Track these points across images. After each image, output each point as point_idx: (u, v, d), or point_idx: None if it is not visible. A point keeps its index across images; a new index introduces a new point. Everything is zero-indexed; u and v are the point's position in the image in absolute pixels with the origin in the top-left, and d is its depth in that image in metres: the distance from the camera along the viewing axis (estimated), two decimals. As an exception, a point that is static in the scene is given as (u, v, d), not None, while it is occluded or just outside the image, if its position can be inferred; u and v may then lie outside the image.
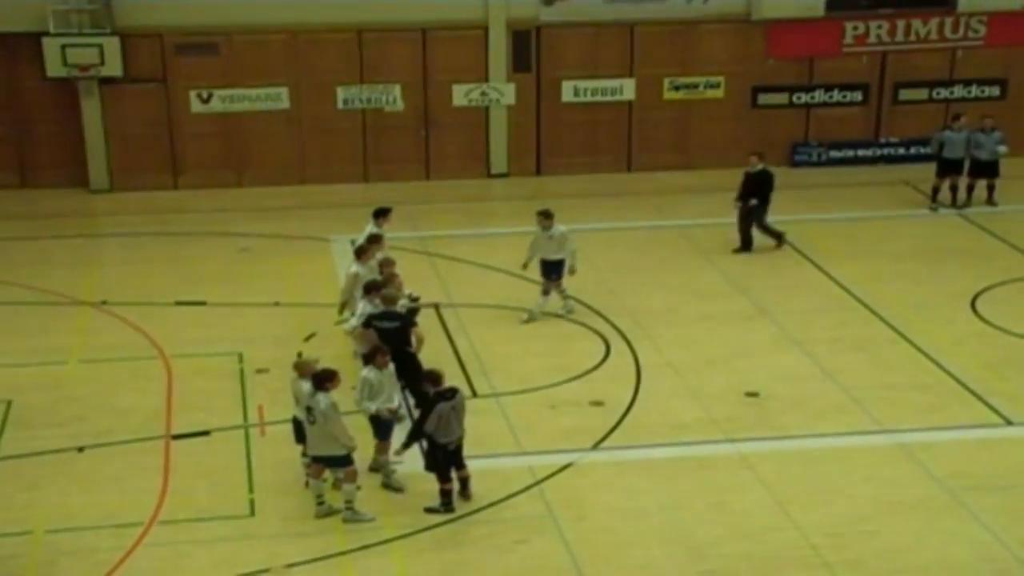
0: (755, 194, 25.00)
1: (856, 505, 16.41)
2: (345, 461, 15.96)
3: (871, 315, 22.42)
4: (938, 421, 18.71)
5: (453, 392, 16.27)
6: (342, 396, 16.17)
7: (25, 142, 29.36)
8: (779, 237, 25.47)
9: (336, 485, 16.28)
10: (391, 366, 16.76)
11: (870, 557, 15.30)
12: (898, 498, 16.58)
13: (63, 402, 19.24)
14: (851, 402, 19.21)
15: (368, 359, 16.62)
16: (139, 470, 17.28)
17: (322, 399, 15.68)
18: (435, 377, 16.30)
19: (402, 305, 18.91)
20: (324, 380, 15.80)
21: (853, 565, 15.15)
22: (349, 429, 16.00)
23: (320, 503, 16.14)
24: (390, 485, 16.77)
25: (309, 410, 15.77)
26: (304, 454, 16.51)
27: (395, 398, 16.90)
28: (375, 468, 16.92)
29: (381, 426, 16.70)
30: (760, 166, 25.00)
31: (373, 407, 16.40)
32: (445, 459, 16.13)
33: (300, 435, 16.35)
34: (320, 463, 16.05)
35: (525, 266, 22.23)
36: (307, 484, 16.49)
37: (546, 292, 22.09)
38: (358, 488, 16.14)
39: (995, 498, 16.58)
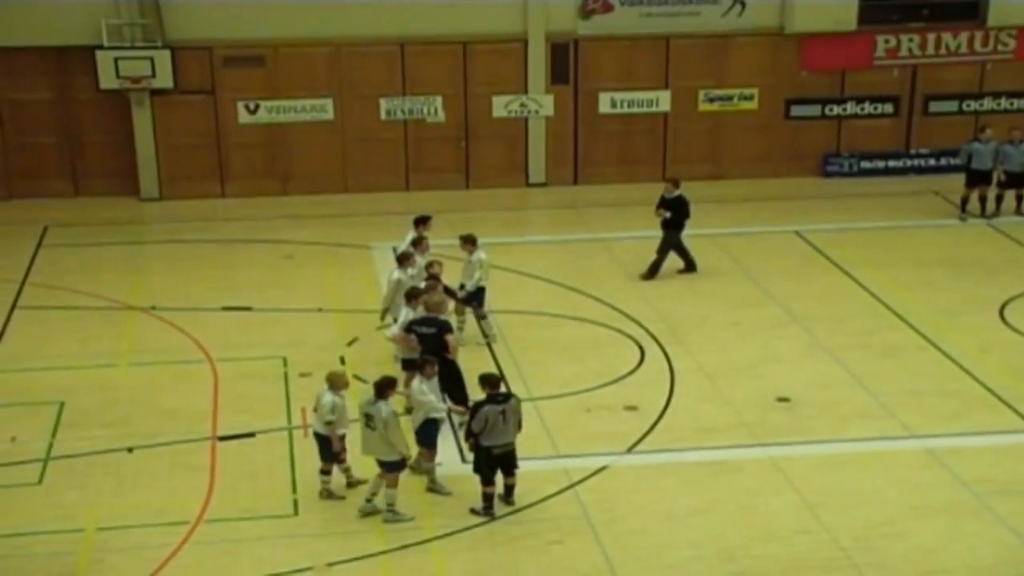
0: (673, 216, 24.37)
1: (883, 509, 16.52)
2: (396, 467, 16.21)
3: (900, 322, 22.57)
4: (965, 426, 18.81)
5: (505, 397, 16.35)
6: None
7: (78, 152, 29.80)
8: (689, 262, 24.84)
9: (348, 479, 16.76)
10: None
11: (897, 560, 15.40)
12: (925, 502, 16.69)
13: (113, 404, 19.46)
14: (879, 407, 19.35)
15: (417, 368, 16.77)
16: (186, 470, 17.47)
17: (383, 407, 15.95)
18: (491, 380, 16.40)
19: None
20: (385, 388, 16.08)
21: (880, 568, 15.25)
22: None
23: (368, 500, 16.37)
24: (435, 489, 16.95)
25: (368, 417, 16.01)
26: (323, 471, 16.74)
27: (441, 405, 17.13)
28: (416, 470, 17.08)
29: (427, 432, 16.89)
30: (676, 192, 24.38)
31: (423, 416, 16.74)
32: (488, 462, 16.23)
33: (324, 450, 16.66)
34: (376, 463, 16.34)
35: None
36: (321, 494, 16.73)
37: (482, 317, 21.79)
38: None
39: (1021, 502, 16.69)
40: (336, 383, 16.58)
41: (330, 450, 16.64)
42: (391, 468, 16.19)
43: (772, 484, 17.20)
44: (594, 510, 16.53)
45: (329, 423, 16.45)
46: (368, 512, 16.37)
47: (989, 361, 20.98)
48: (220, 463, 17.69)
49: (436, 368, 16.91)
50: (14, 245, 26.63)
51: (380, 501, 16.36)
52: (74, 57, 28.86)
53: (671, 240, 24.53)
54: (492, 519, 16.33)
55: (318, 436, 16.72)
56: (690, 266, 24.83)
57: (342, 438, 16.58)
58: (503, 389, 16.68)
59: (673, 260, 24.71)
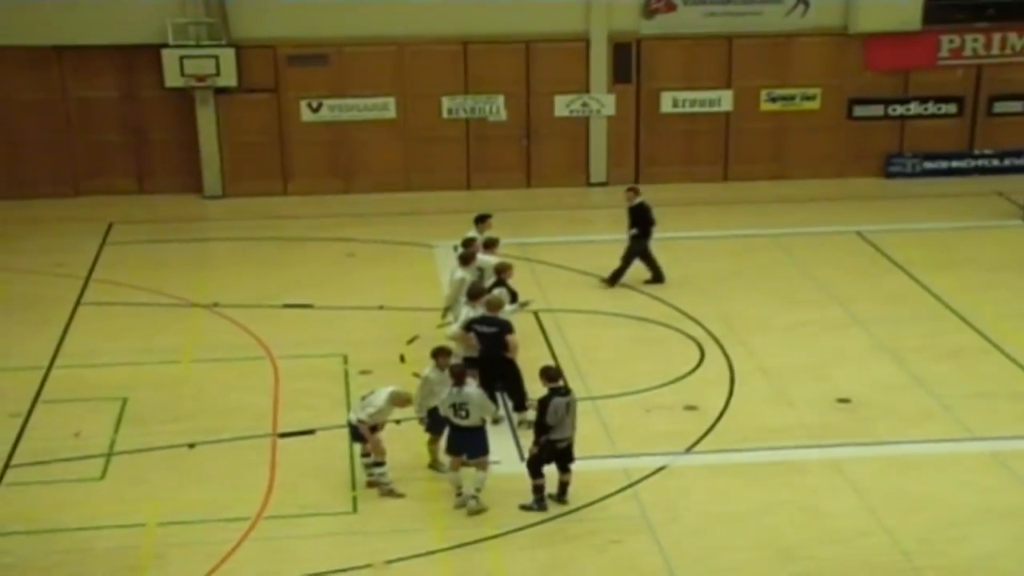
0: (636, 225, 24.06)
1: (947, 512, 16.38)
2: (485, 449, 16.47)
3: (963, 324, 22.41)
4: (1030, 430, 18.64)
5: (568, 390, 16.47)
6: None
7: (143, 150, 30.11)
8: (656, 272, 24.34)
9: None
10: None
11: (960, 564, 15.25)
12: (989, 505, 16.53)
13: (175, 400, 19.59)
14: (942, 410, 19.21)
15: (455, 375, 16.59)
16: (247, 466, 17.56)
17: (473, 391, 16.28)
18: (552, 373, 16.49)
19: (509, 310, 19.17)
20: (463, 374, 16.41)
21: (943, 571, 15.12)
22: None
23: (459, 494, 16.52)
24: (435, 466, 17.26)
25: (458, 406, 16.21)
26: (365, 454, 16.87)
27: (494, 407, 17.24)
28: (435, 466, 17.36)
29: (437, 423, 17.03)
30: (637, 200, 24.08)
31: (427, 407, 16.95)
32: (550, 456, 16.29)
33: (357, 435, 16.85)
34: (460, 455, 16.51)
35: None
36: (380, 491, 16.79)
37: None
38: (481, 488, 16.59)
39: (1087, 507, 16.51)
40: (397, 400, 16.72)
41: (361, 438, 16.81)
42: (482, 453, 16.44)
43: (833, 486, 17.10)
44: (653, 510, 16.49)
45: (362, 420, 16.61)
46: (462, 504, 16.51)
47: (1054, 364, 20.80)
48: (280, 460, 17.78)
49: (477, 379, 16.87)
50: (79, 242, 26.93)
51: (468, 487, 16.54)
52: (140, 56, 29.15)
53: (636, 249, 24.12)
54: (546, 514, 16.33)
55: (352, 425, 16.87)
56: (657, 277, 24.30)
57: (373, 429, 16.64)
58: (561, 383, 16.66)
59: (640, 270, 24.31)
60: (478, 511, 16.41)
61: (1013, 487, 17.07)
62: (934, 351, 21.33)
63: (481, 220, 22.02)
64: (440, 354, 17.13)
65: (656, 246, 24.34)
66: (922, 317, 22.88)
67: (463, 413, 16.31)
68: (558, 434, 16.22)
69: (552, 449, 16.30)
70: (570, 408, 16.32)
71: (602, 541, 15.85)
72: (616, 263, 24.05)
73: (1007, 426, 18.78)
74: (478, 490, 16.45)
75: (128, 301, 23.61)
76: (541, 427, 16.27)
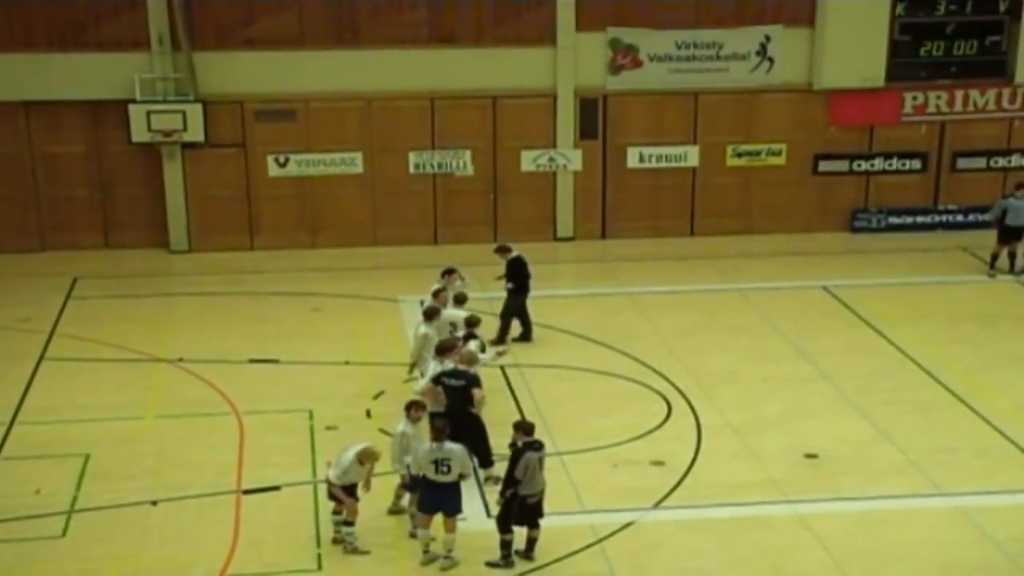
0: (512, 280, 23.96)
1: (915, 568, 16.40)
2: (459, 507, 16.46)
3: (929, 378, 22.49)
4: (997, 485, 18.67)
5: (541, 445, 16.47)
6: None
7: (109, 204, 30.00)
8: (527, 330, 24.18)
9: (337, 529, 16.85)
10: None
11: (927, 620, 15.30)
12: (956, 561, 16.55)
13: (139, 456, 19.45)
14: (909, 465, 19.24)
15: (436, 430, 16.55)
16: (211, 523, 17.44)
17: (454, 446, 16.26)
18: (528, 427, 16.49)
19: (486, 358, 19.51)
20: (443, 430, 16.38)
21: (910, 627, 15.17)
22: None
23: (427, 551, 16.47)
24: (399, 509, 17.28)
25: (439, 463, 16.18)
26: (336, 511, 16.79)
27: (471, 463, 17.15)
28: (396, 511, 17.37)
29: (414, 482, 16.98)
30: (512, 255, 23.81)
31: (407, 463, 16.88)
32: (520, 512, 16.25)
33: (332, 495, 16.78)
34: (435, 512, 16.49)
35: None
36: (345, 549, 16.71)
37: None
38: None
39: (1052, 563, 16.50)
40: (365, 457, 16.64)
41: (335, 498, 16.77)
42: (455, 511, 16.45)
43: (801, 542, 17.09)
44: (620, 566, 16.45)
45: (332, 483, 16.61)
46: (430, 561, 16.46)
47: (1020, 418, 20.85)
48: (245, 517, 17.67)
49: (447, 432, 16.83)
50: (44, 296, 26.76)
51: (439, 548, 16.50)
52: (108, 111, 29.12)
53: (515, 304, 24.07)
54: (511, 570, 16.27)
55: (329, 483, 16.81)
56: (526, 335, 24.16)
57: (345, 489, 16.59)
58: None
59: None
60: (451, 566, 16.34)
61: (979, 543, 17.08)
62: (901, 406, 21.39)
63: (448, 273, 22.09)
64: (414, 407, 17.06)
65: (624, 301, 24.32)
66: (888, 371, 22.97)
67: (444, 469, 16.24)
68: (529, 489, 16.19)
69: (523, 505, 16.25)
70: (542, 463, 16.32)
71: (570, 598, 15.74)
72: (581, 317, 24.02)
73: (973, 481, 18.81)
74: (450, 550, 16.38)
75: (92, 356, 23.48)
76: (510, 480, 16.21)
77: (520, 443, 16.30)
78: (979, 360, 23.40)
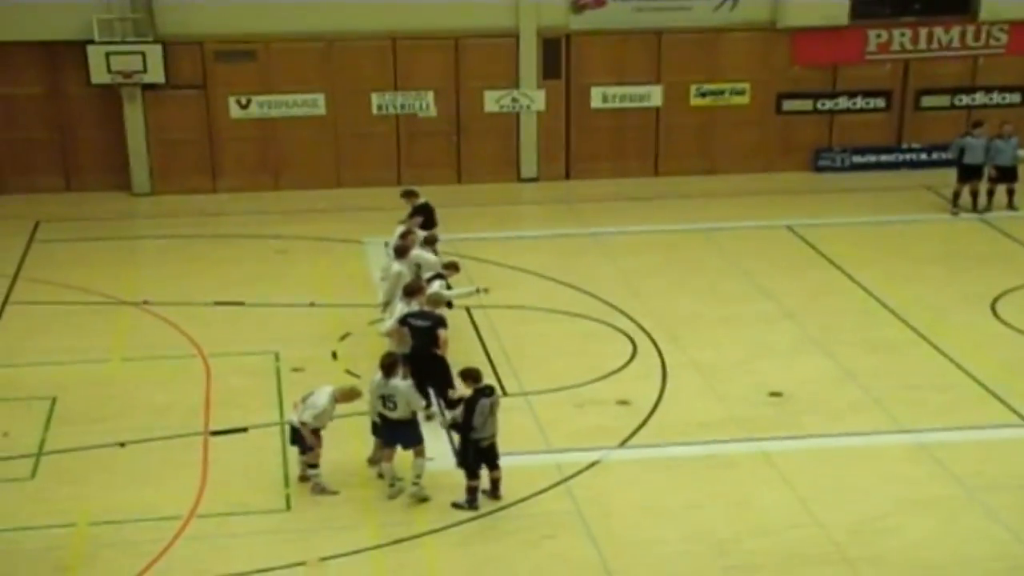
0: (423, 227, 23.16)
1: (876, 503, 16.55)
2: (419, 439, 16.53)
3: (892, 317, 22.62)
4: (957, 421, 18.84)
5: (492, 389, 16.50)
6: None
7: (70, 147, 29.79)
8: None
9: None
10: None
11: (890, 554, 15.43)
12: (917, 496, 16.72)
13: (105, 399, 19.42)
14: (872, 402, 19.38)
15: (385, 366, 16.55)
16: (178, 465, 17.46)
17: (399, 383, 16.34)
18: (475, 375, 16.44)
19: (464, 291, 19.81)
20: (393, 366, 16.46)
21: (873, 562, 15.28)
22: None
23: (392, 485, 16.58)
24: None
25: (386, 398, 16.28)
26: (302, 453, 16.79)
27: (423, 402, 17.19)
28: (375, 461, 17.28)
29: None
30: (420, 201, 22.99)
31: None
32: (476, 456, 16.31)
33: (297, 439, 16.75)
34: (394, 446, 16.59)
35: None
36: (312, 489, 16.75)
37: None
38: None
39: (1013, 497, 16.71)
40: (341, 397, 16.71)
41: (303, 442, 16.74)
42: (416, 441, 16.51)
43: (765, 479, 17.23)
44: (586, 505, 16.54)
45: (305, 423, 16.58)
46: (398, 494, 16.58)
47: (982, 356, 21.02)
48: (212, 458, 17.68)
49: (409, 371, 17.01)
50: (6, 240, 26.60)
51: (408, 474, 16.61)
52: (65, 52, 28.82)
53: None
54: (477, 512, 16.35)
55: (293, 428, 16.80)
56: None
57: (315, 432, 16.63)
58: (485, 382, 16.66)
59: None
60: (420, 499, 16.46)
61: (941, 478, 17.24)
62: (864, 344, 21.51)
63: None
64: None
65: (588, 241, 24.31)
66: (851, 310, 23.08)
67: (391, 405, 16.35)
68: (480, 433, 16.23)
69: (477, 448, 16.31)
70: (494, 407, 16.36)
71: (536, 536, 15.88)
72: (545, 258, 24.03)
73: (935, 418, 18.97)
74: (419, 476, 16.49)
75: (56, 300, 23.37)
76: (468, 427, 16.25)
77: (472, 390, 16.33)
78: (941, 299, 23.53)
